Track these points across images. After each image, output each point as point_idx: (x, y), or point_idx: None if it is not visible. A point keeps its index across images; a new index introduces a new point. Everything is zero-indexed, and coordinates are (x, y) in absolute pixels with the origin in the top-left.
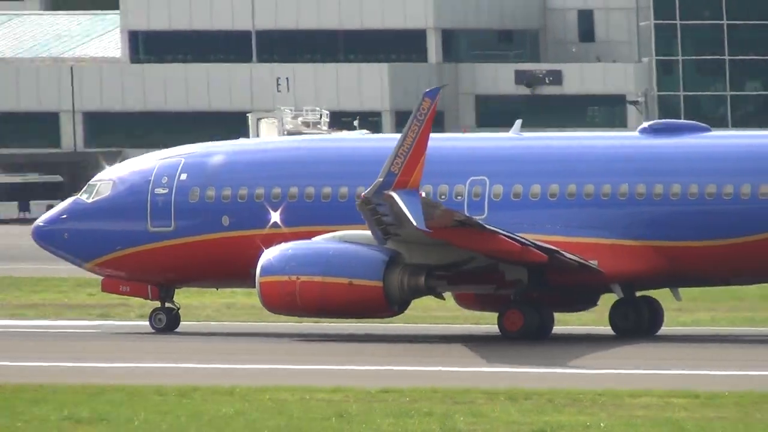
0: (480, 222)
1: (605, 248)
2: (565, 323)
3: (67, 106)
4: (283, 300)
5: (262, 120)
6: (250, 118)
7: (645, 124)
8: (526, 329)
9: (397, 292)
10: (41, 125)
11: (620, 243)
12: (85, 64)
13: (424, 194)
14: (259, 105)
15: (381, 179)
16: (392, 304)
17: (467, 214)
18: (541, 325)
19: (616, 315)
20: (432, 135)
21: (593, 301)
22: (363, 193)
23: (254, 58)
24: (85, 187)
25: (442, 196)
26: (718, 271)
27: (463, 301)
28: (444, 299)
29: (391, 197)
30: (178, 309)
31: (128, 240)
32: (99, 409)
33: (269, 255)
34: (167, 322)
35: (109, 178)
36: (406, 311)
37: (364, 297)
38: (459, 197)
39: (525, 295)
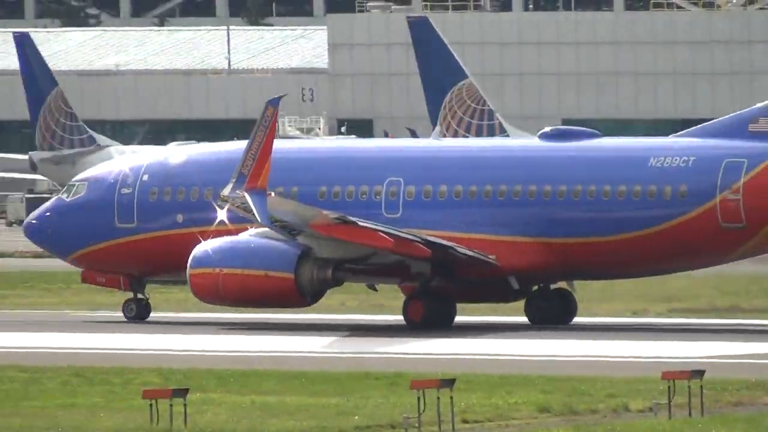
0: (354, 220)
1: (503, 244)
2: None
3: None
4: (209, 290)
5: None
6: None
7: (546, 129)
8: (427, 318)
9: (308, 283)
10: None
11: (516, 239)
12: None
13: (273, 194)
14: None
15: (234, 180)
16: (304, 295)
17: (341, 213)
18: (444, 315)
19: (530, 307)
20: (358, 140)
21: (525, 292)
22: (221, 193)
23: None
24: (66, 187)
25: (363, 195)
26: (605, 265)
27: (408, 293)
28: (377, 291)
29: (243, 196)
30: (148, 299)
31: (99, 235)
32: None
33: (199, 249)
34: (137, 312)
35: (85, 179)
36: None
37: (278, 288)
38: (378, 196)
39: (428, 287)
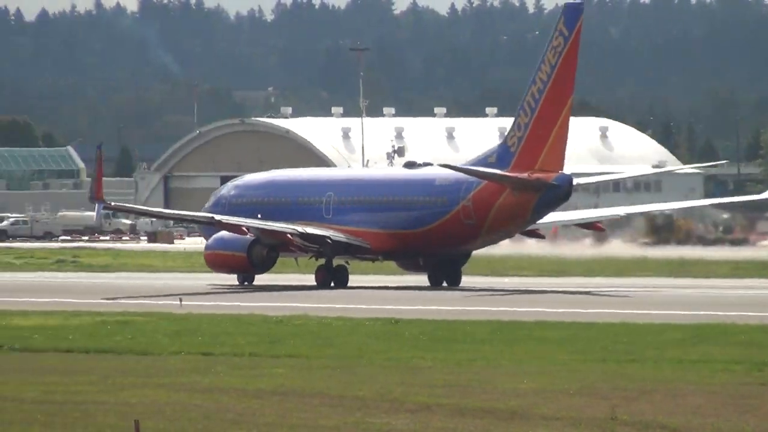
0: (219, 218)
1: (373, 235)
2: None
3: None
4: (212, 263)
5: None
6: None
7: (410, 161)
8: (326, 281)
9: (256, 259)
10: None
11: (379, 231)
12: None
13: (113, 203)
14: None
15: (90, 195)
16: (255, 267)
17: (212, 215)
18: (341, 279)
19: (431, 275)
20: (311, 168)
21: (423, 268)
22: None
23: None
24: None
25: (318, 203)
26: (424, 247)
27: (404, 268)
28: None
29: (110, 203)
30: None
31: (215, 228)
32: None
33: (211, 238)
34: (244, 278)
35: (214, 192)
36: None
37: (238, 262)
38: (320, 204)
39: (330, 262)
